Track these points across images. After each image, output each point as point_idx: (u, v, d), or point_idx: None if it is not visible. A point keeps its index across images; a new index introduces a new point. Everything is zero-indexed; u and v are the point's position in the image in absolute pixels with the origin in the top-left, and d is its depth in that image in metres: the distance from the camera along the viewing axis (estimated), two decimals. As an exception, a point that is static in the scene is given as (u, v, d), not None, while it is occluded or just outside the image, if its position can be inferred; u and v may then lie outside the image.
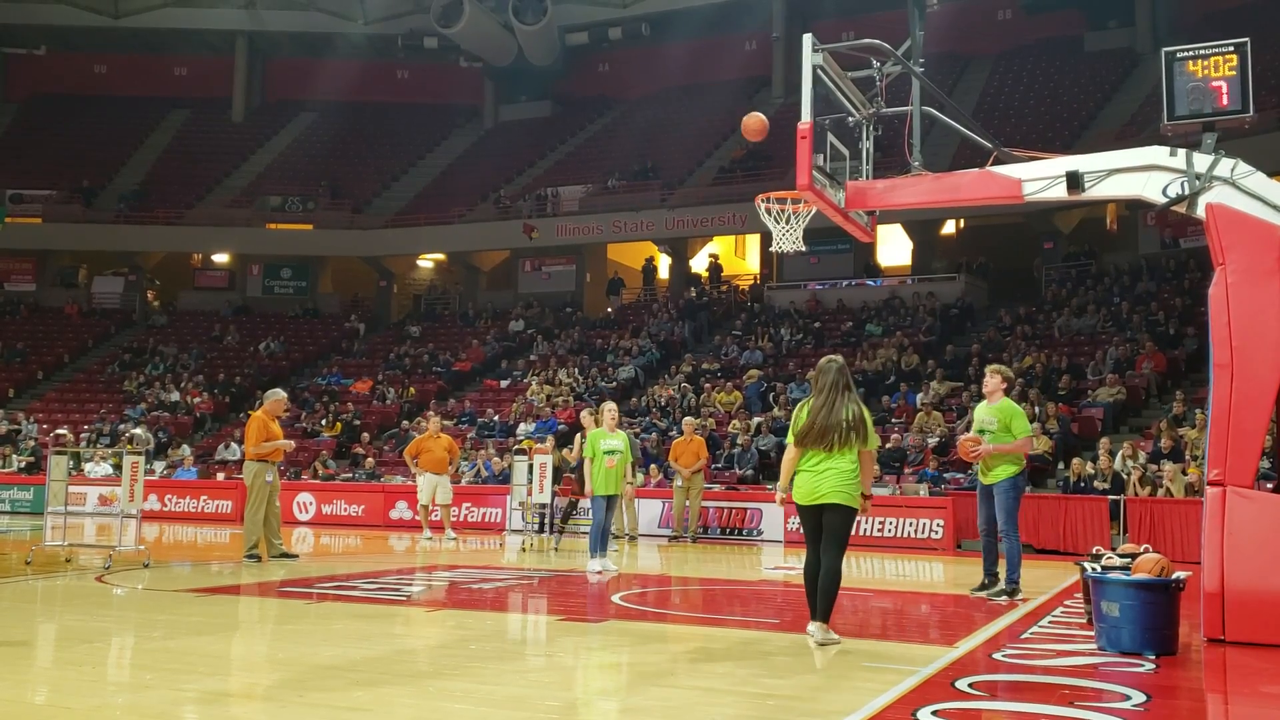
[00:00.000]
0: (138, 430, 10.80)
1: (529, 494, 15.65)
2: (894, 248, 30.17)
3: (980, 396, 10.43)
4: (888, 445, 18.82)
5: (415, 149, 38.58)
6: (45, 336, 33.67)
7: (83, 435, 24.67)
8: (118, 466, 21.19)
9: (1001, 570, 8.82)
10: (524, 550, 14.20)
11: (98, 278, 36.20)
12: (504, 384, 27.08)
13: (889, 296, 26.91)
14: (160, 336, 33.38)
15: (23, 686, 4.90)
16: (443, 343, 30.97)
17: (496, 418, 24.24)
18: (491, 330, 31.16)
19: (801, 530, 6.48)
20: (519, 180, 35.29)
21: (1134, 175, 7.99)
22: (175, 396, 28.57)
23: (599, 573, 10.39)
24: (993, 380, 9.09)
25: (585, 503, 14.00)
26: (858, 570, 12.81)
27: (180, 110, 40.43)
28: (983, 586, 8.97)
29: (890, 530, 16.23)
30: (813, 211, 8.98)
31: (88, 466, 21.48)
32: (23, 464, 24.48)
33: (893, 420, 20.31)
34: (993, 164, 8.67)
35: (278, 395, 11.54)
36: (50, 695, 4.66)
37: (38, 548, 10.89)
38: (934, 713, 4.46)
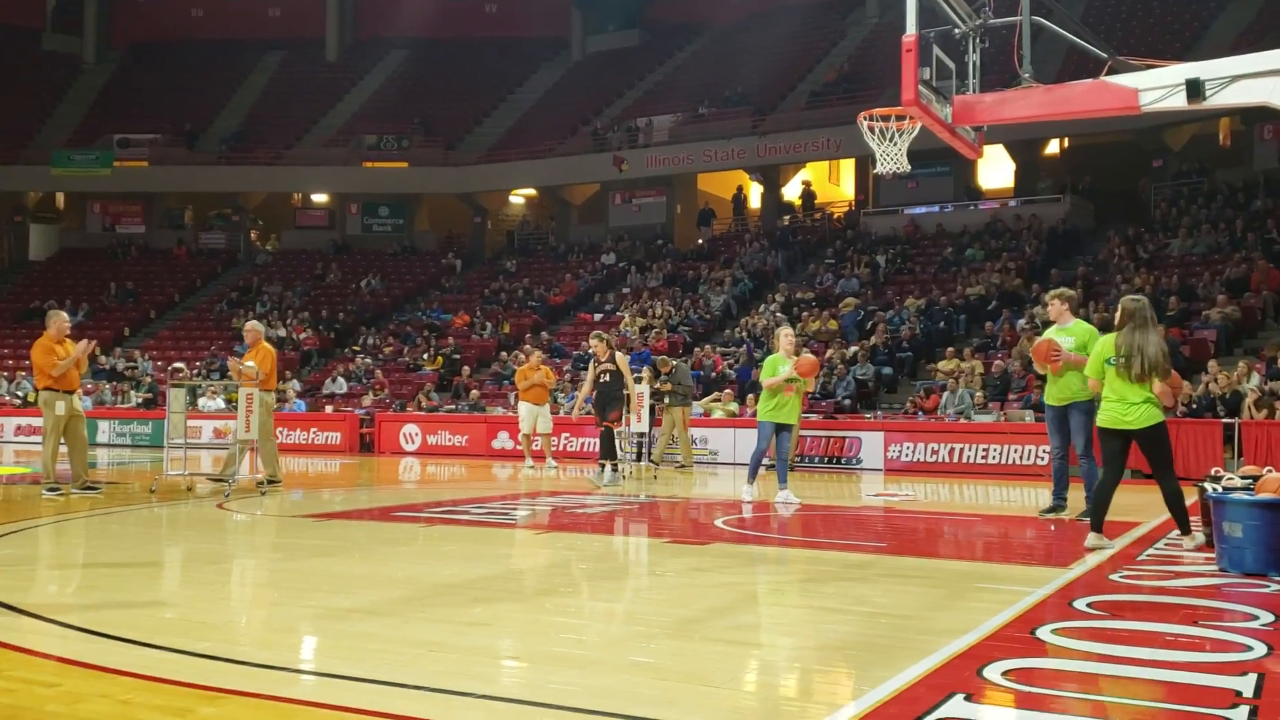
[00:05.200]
0: (249, 363, 11.09)
1: (626, 424, 15.80)
2: (995, 169, 29.30)
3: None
4: (991, 371, 18.48)
5: (505, 84, 38.57)
6: (155, 277, 34.81)
7: (195, 372, 25.50)
8: (230, 401, 21.95)
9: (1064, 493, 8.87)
10: (623, 477, 14.34)
11: (204, 234, 37.22)
12: (597, 317, 27.21)
13: (990, 219, 26.22)
14: (265, 275, 34.27)
15: (157, 604, 5.14)
16: (536, 277, 31.20)
17: (590, 350, 24.37)
18: (584, 264, 31.26)
19: (1101, 452, 7.03)
20: (608, 112, 35.08)
21: (1261, 80, 7.57)
22: (282, 333, 29.35)
23: (751, 502, 10.15)
24: (1056, 304, 8.89)
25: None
26: (964, 496, 12.67)
27: (276, 51, 40.99)
28: (1053, 509, 8.89)
29: (995, 457, 16.02)
30: (917, 129, 8.73)
31: (201, 401, 22.26)
32: (140, 400, 25.50)
33: (996, 345, 19.90)
34: (1107, 74, 8.31)
35: (58, 316, 10.53)
36: (183, 612, 4.87)
37: (161, 477, 11.38)
38: (1054, 630, 4.40)
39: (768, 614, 5.14)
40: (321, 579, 5.80)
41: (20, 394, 26.42)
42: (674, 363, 17.25)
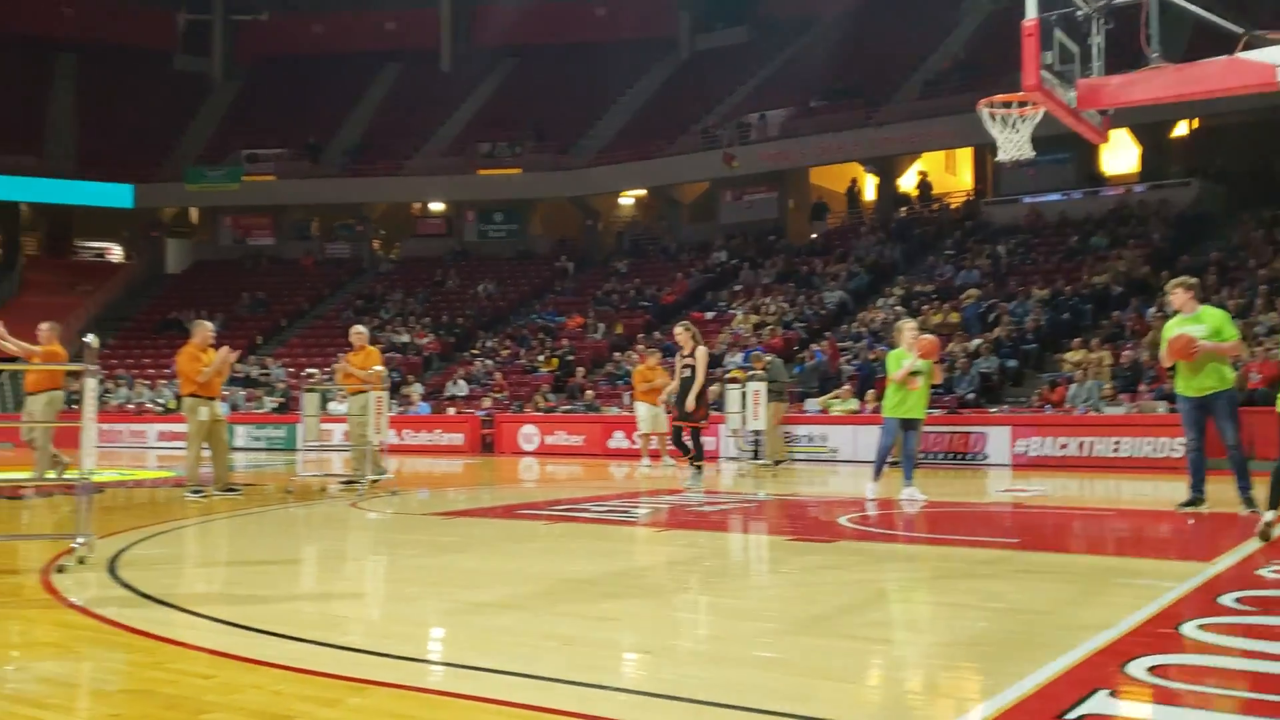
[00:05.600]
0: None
1: (742, 422, 15.78)
2: (1120, 154, 28.32)
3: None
4: (1121, 362, 17.89)
5: (615, 86, 38.85)
6: (285, 287, 36.09)
7: (325, 377, 26.33)
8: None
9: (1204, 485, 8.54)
10: (741, 476, 14.32)
11: (329, 244, 38.45)
12: (709, 315, 27.20)
13: (1116, 206, 25.37)
14: (387, 283, 35.22)
15: (300, 600, 5.35)
16: (648, 277, 31.34)
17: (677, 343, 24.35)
18: (695, 262, 31.28)
19: None
20: (717, 109, 35.04)
21: None
22: (405, 338, 30.14)
23: (874, 499, 10.00)
24: (1179, 294, 8.53)
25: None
26: (1096, 490, 12.30)
27: (393, 64, 42.09)
28: (1190, 502, 8.54)
29: (1127, 450, 15.50)
30: (1040, 115, 8.54)
31: (331, 405, 22.98)
32: (274, 404, 26.47)
33: (1125, 335, 19.25)
34: (1242, 49, 7.98)
35: (203, 325, 11.05)
36: (326, 606, 5.06)
37: (296, 479, 11.80)
38: (1200, 626, 4.25)
39: (898, 610, 5.08)
40: (454, 574, 5.95)
41: (161, 401, 27.69)
42: (768, 358, 17.09)
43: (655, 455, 16.14)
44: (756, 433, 15.84)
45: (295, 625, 4.44)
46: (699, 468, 11.23)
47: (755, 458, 15.82)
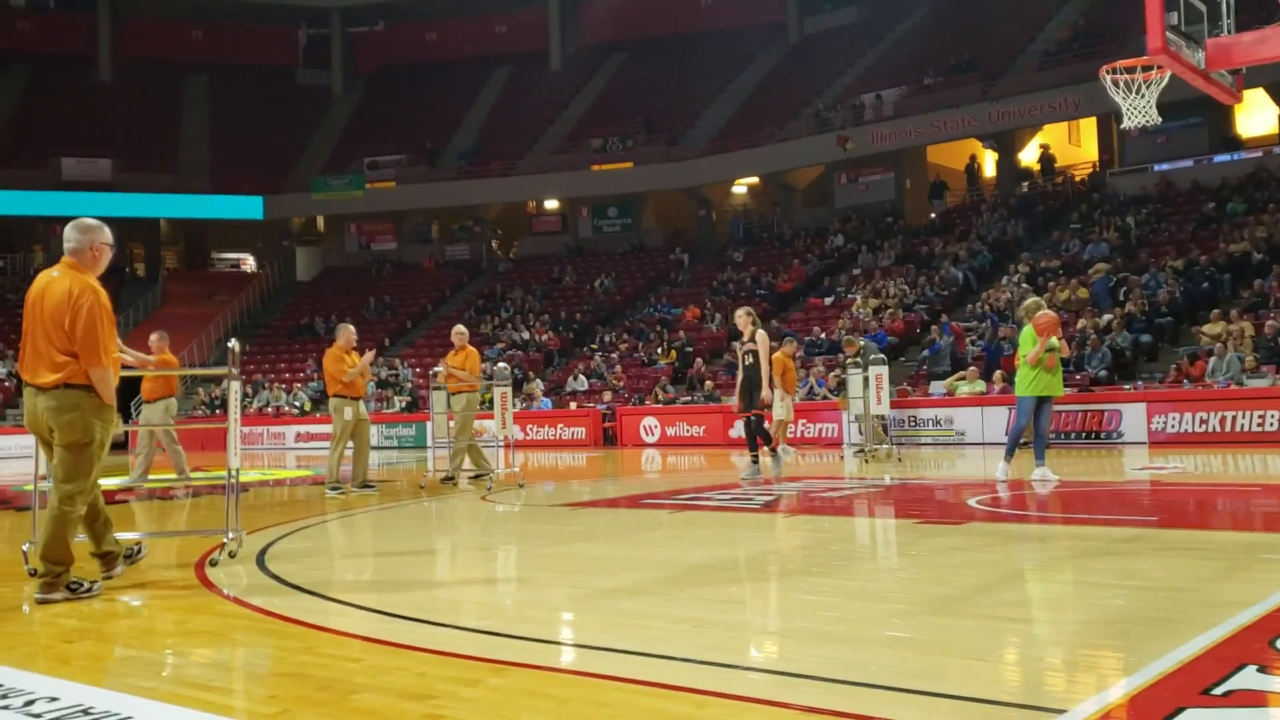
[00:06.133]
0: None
1: (865, 406, 15.59)
2: (1256, 115, 27.02)
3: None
4: (1264, 333, 17.10)
5: (723, 74, 38.75)
6: (409, 290, 37.08)
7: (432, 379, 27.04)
8: (484, 402, 23.14)
9: None
10: (865, 461, 14.17)
11: (449, 246, 39.34)
12: (828, 301, 26.93)
13: (1254, 169, 24.24)
14: (507, 282, 35.87)
15: (439, 587, 5.53)
16: (764, 265, 31.19)
17: (823, 335, 24.19)
18: (811, 248, 31.00)
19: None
20: (829, 92, 34.64)
21: None
22: (525, 335, 30.64)
23: (1005, 480, 9.84)
24: None
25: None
26: (1239, 467, 11.81)
27: (504, 66, 42.80)
28: None
29: (1272, 424, 14.82)
30: (1166, 78, 8.24)
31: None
32: (403, 404, 27.24)
33: (1268, 305, 18.39)
34: (1387, -4, 7.56)
35: (347, 329, 11.43)
36: (464, 593, 5.23)
37: (429, 475, 12.16)
38: (1355, 602, 4.08)
39: (1033, 590, 4.99)
40: (583, 562, 6.08)
41: (298, 404, 28.76)
42: (860, 342, 16.80)
43: (792, 443, 15.93)
44: (880, 418, 15.66)
45: (435, 611, 4.61)
46: (757, 458, 11.19)
47: (880, 443, 15.62)
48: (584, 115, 39.60)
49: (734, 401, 11.76)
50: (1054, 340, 9.74)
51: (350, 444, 11.17)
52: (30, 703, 3.22)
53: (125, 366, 10.24)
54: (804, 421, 19.27)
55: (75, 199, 35.76)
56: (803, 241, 31.95)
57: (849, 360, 16.42)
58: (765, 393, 10.88)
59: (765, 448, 11.42)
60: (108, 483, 11.22)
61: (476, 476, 11.87)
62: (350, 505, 9.84)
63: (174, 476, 11.92)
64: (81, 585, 5.13)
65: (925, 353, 21.18)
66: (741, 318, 11.31)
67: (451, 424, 12.14)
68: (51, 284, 5.12)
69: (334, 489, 10.80)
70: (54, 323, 5.04)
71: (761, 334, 11.01)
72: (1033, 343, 9.78)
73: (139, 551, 5.93)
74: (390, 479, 13.49)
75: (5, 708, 3.17)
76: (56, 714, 3.09)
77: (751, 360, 11.03)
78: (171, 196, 37.75)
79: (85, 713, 3.09)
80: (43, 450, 5.39)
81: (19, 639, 4.31)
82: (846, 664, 3.48)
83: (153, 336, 11.94)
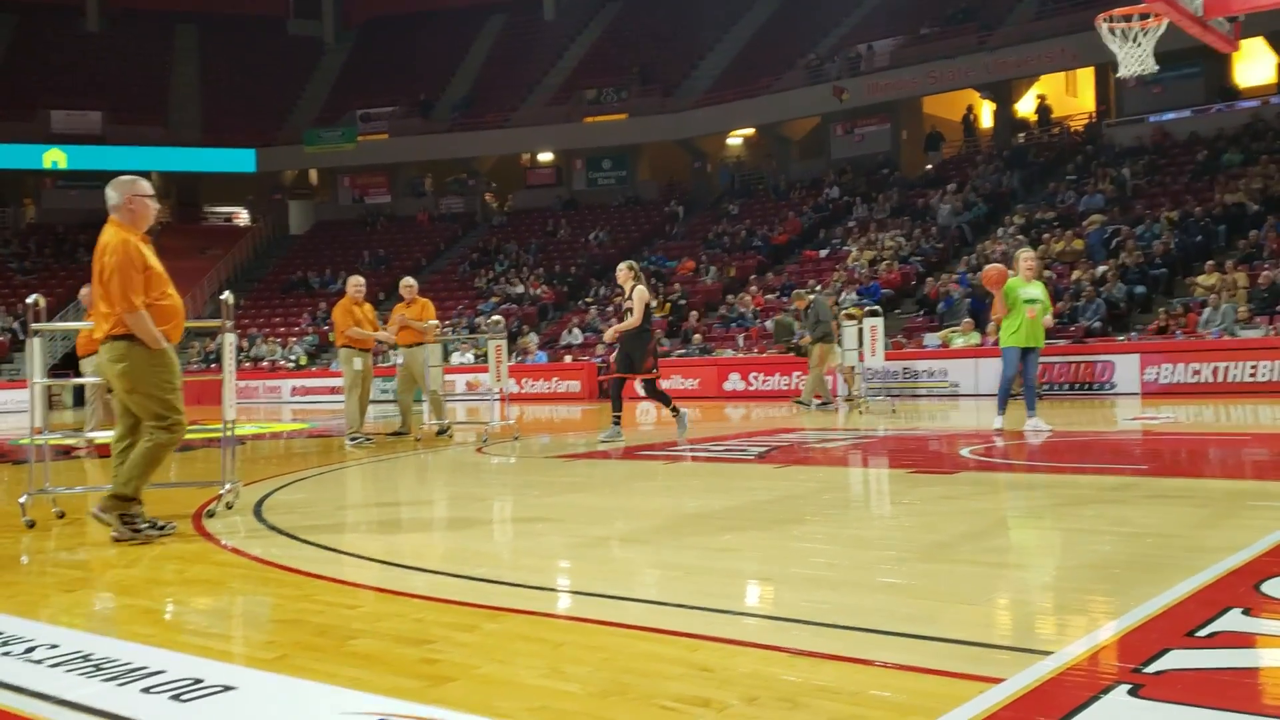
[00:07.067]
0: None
1: (860, 358, 15.63)
2: (1254, 64, 26.85)
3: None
4: (1259, 283, 17.13)
5: (719, 23, 38.39)
6: (403, 243, 36.96)
7: (446, 329, 26.98)
8: (478, 356, 23.18)
9: None
10: (859, 413, 14.23)
11: (443, 200, 39.11)
12: (823, 253, 26.89)
13: (1250, 120, 24.14)
14: (501, 235, 35.74)
15: (431, 536, 5.58)
16: (759, 218, 31.10)
17: (819, 287, 24.15)
18: (807, 200, 30.89)
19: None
20: (824, 42, 34.34)
21: None
22: (520, 289, 30.59)
23: (1001, 431, 9.92)
24: None
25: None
26: (1231, 417, 11.88)
27: (498, 15, 42.33)
28: None
29: (1265, 374, 14.90)
30: (1163, 26, 8.17)
31: (453, 357, 23.59)
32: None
33: (1263, 256, 18.40)
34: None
35: (354, 280, 11.51)
36: (460, 542, 5.27)
37: (423, 427, 12.20)
38: (1341, 547, 4.13)
39: (1023, 536, 5.05)
40: (577, 511, 6.12)
41: (293, 358, 28.75)
42: (810, 297, 16.59)
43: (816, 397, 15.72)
44: (850, 368, 15.69)
45: (430, 559, 4.65)
46: (618, 420, 10.48)
47: (876, 394, 15.67)
48: (578, 66, 39.24)
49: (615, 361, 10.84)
50: (1035, 290, 9.76)
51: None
52: (31, 649, 3.26)
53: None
54: (797, 372, 19.31)
55: (65, 152, 35.51)
56: (798, 194, 31.83)
57: (796, 313, 16.02)
58: (637, 352, 10.19)
59: (667, 409, 10.78)
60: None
61: (441, 431, 11.90)
62: (346, 457, 9.88)
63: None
64: (135, 522, 5.30)
65: (941, 306, 21.10)
66: (623, 272, 10.62)
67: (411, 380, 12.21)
68: (97, 243, 5.37)
69: (353, 439, 10.86)
70: (96, 279, 5.30)
71: (640, 289, 10.32)
72: (1012, 294, 9.87)
73: (166, 528, 5.73)
74: (384, 431, 13.53)
75: (6, 654, 3.20)
76: (57, 660, 3.13)
77: (631, 317, 10.33)
78: (162, 149, 37.45)
79: (86, 659, 3.13)
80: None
81: (18, 588, 4.34)
82: (839, 608, 3.52)
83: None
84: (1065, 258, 20.85)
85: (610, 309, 27.95)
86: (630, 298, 10.31)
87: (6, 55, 40.03)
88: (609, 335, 10.32)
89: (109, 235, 5.33)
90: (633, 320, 10.17)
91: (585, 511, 6.12)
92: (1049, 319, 10.19)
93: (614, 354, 10.68)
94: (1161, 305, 18.88)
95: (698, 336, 23.53)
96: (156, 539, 5.27)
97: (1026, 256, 10.25)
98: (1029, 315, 9.83)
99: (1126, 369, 16.31)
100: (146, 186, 5.53)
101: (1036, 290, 9.94)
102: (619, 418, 10.55)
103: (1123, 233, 20.90)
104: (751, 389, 20.19)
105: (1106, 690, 2.53)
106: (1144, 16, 8.17)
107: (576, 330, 26.73)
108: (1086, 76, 31.51)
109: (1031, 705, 2.48)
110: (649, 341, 10.44)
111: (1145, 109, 26.58)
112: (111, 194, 5.43)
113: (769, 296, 24.61)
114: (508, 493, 7.47)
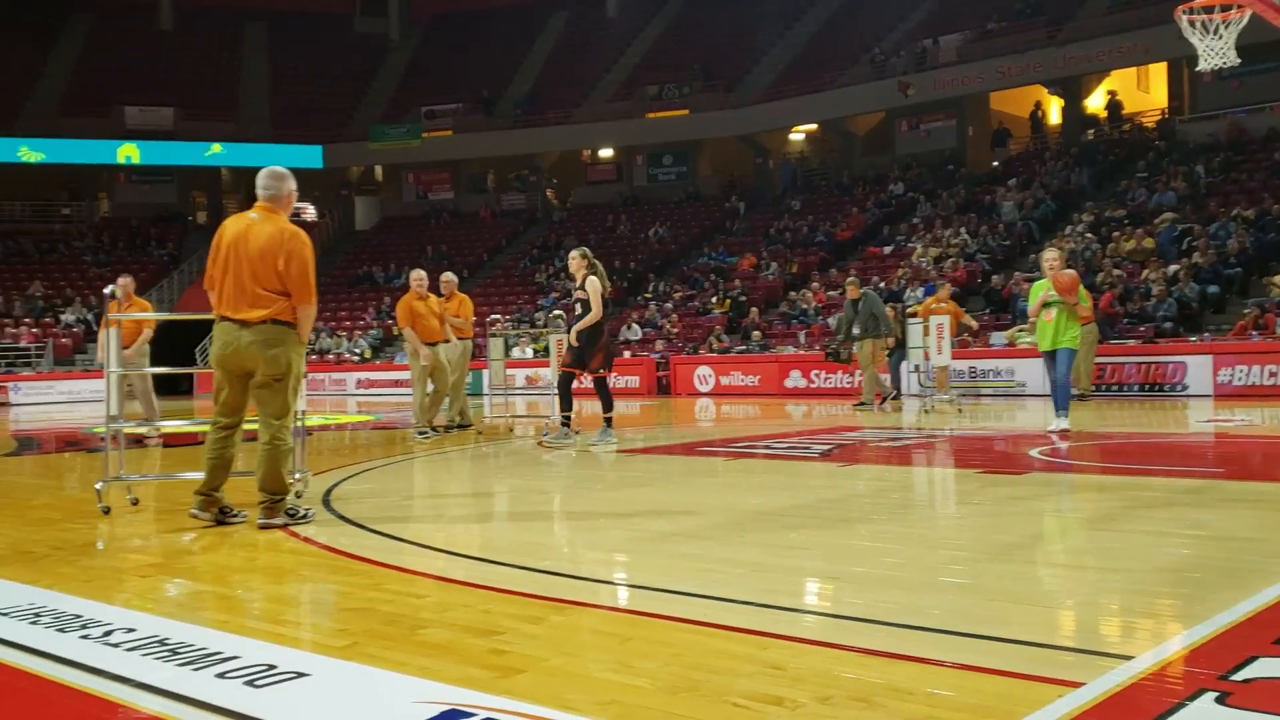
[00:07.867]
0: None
1: (925, 357, 15.41)
2: (1337, 58, 26.00)
3: None
4: (1338, 284, 16.62)
5: (782, 19, 38.13)
6: (465, 239, 37.24)
7: (506, 324, 27.16)
8: (538, 351, 23.28)
9: None
10: (925, 412, 14.06)
11: (505, 196, 39.33)
12: (887, 250, 26.61)
13: (1333, 116, 23.39)
14: (562, 231, 35.87)
15: (497, 528, 5.60)
16: (821, 214, 30.86)
17: (882, 284, 23.92)
18: (871, 196, 30.59)
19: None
20: (890, 36, 33.96)
21: None
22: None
23: (1060, 432, 9.71)
24: None
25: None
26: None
27: (560, 12, 42.45)
28: None
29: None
30: (1246, 17, 7.95)
31: (514, 351, 23.71)
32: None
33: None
34: None
35: (415, 274, 11.49)
36: (521, 534, 5.30)
37: (485, 420, 12.29)
38: None
39: (1096, 538, 4.94)
40: (641, 506, 6.12)
41: (358, 351, 29.13)
42: (863, 290, 16.17)
43: (878, 396, 15.53)
44: (941, 368, 15.46)
45: (497, 551, 4.68)
46: (568, 420, 9.94)
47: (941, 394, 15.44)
48: (640, 62, 39.23)
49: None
50: (1052, 295, 9.66)
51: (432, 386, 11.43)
52: (109, 633, 3.33)
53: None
54: (859, 370, 19.08)
55: (138, 147, 36.30)
56: (862, 190, 31.53)
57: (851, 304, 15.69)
58: (587, 347, 9.62)
59: (605, 416, 10.12)
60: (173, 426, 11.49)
61: (459, 427, 11.95)
62: (410, 450, 9.98)
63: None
64: (298, 512, 5.52)
65: (1022, 305, 20.73)
66: (575, 260, 9.93)
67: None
68: (253, 226, 5.38)
69: (420, 432, 11.00)
70: (263, 262, 5.30)
71: (593, 280, 9.61)
72: (1035, 297, 9.85)
73: (237, 514, 5.86)
74: (447, 424, 13.63)
75: (85, 637, 3.28)
76: (134, 644, 3.19)
77: (581, 310, 9.68)
78: (232, 145, 38.12)
79: (162, 643, 3.19)
80: (225, 386, 5.51)
81: (96, 573, 4.44)
82: (906, 608, 3.48)
83: (117, 282, 10.86)
84: (1136, 256, 20.42)
85: (670, 305, 27.92)
86: (583, 288, 9.69)
87: (83, 54, 41.00)
88: (572, 335, 9.74)
89: (283, 224, 5.40)
90: (594, 314, 9.56)
91: (649, 506, 6.12)
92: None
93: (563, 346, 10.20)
94: (1236, 305, 18.41)
95: (758, 333, 23.42)
96: (302, 520, 5.52)
97: (1048, 256, 10.02)
98: (1046, 319, 9.69)
99: (1199, 370, 15.92)
100: (295, 182, 5.70)
101: (1053, 295, 9.72)
102: (568, 417, 9.98)
103: (1195, 231, 20.42)
104: (813, 386, 20.05)
105: (1193, 697, 2.46)
106: (1225, 8, 7.95)
107: (636, 326, 26.75)
108: (1159, 72, 30.79)
109: (1114, 710, 2.42)
110: (601, 337, 9.80)
111: (1222, 105, 25.89)
112: (273, 184, 5.49)
113: (831, 293, 24.40)
114: (570, 487, 7.49)
